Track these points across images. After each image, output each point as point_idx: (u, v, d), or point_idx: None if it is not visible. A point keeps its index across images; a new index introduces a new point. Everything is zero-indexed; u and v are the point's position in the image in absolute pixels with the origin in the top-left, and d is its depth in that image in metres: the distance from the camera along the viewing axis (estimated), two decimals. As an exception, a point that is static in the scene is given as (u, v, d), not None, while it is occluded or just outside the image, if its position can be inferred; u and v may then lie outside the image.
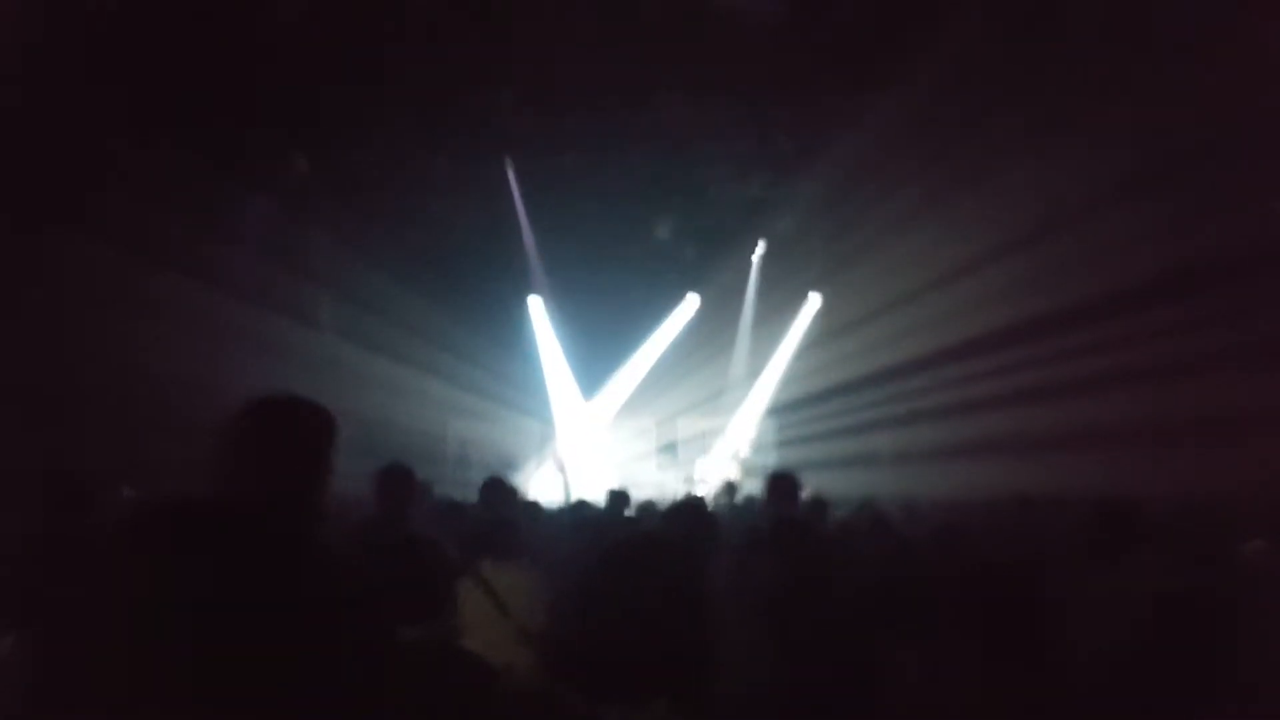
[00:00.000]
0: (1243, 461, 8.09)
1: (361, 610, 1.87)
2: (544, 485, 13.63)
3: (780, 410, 15.87)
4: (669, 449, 16.18)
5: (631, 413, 16.19)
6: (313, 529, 2.02)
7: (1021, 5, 8.73)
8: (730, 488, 10.98)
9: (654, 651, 1.51)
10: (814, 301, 15.67)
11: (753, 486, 13.69)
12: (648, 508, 7.60)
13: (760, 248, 15.35)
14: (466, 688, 2.30)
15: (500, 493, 5.79)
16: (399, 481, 4.53)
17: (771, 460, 15.91)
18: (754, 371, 16.06)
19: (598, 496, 8.68)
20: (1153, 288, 9.69)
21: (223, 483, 1.94)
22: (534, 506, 7.32)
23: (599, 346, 15.61)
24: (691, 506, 5.03)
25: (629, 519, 7.16)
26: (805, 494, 8.19)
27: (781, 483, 5.46)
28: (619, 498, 7.86)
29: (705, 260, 15.16)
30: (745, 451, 15.21)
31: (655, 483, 14.58)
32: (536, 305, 15.70)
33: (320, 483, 2.03)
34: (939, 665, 2.60)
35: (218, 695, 1.60)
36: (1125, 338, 10.03)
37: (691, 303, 15.94)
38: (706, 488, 13.31)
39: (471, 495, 6.46)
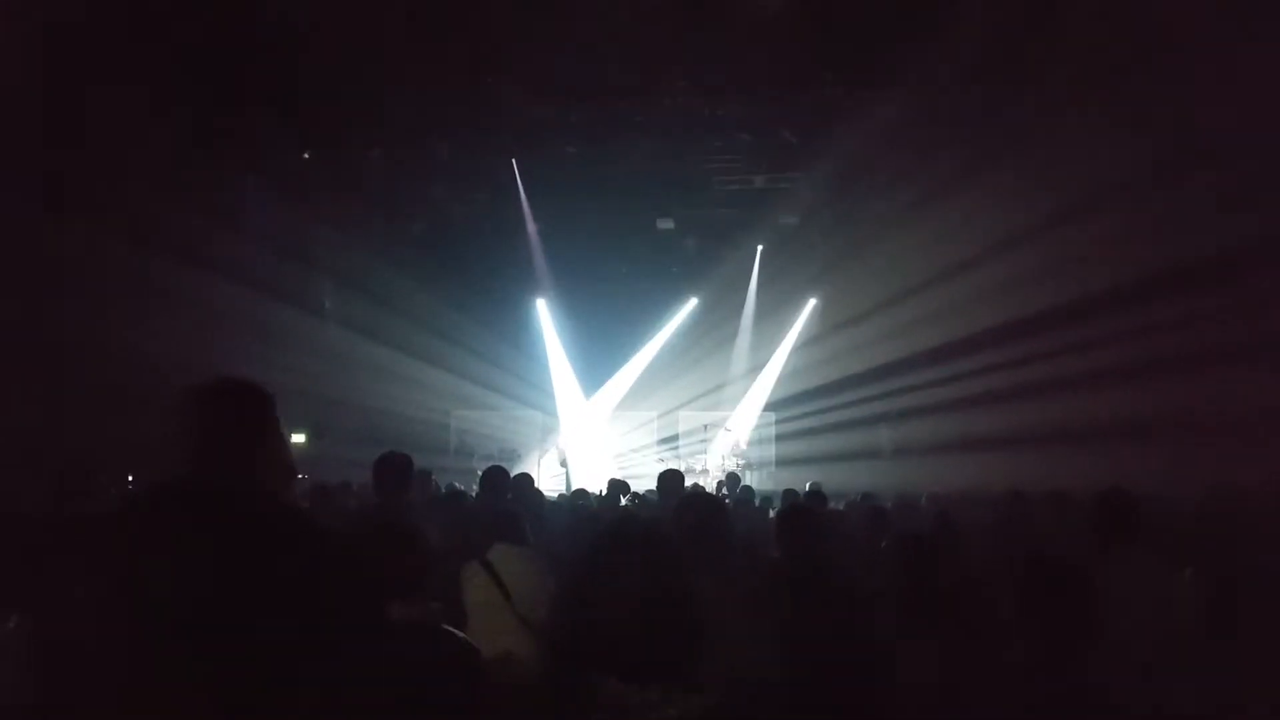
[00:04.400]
0: (1238, 458, 8.10)
1: (336, 584, 1.92)
2: (547, 476, 13.68)
3: (779, 404, 15.94)
4: (670, 441, 16.23)
5: (633, 406, 16.26)
6: (280, 501, 2.06)
7: (1022, 4, 8.70)
8: (733, 478, 11.14)
9: (638, 637, 1.55)
10: (814, 300, 15.74)
11: (751, 479, 13.81)
12: (646, 498, 7.67)
13: (762, 244, 15.37)
14: (446, 666, 2.35)
15: (501, 481, 5.84)
16: (398, 469, 4.57)
17: (770, 453, 16.00)
18: (754, 366, 16.13)
19: (599, 487, 8.75)
20: (1149, 285, 9.70)
21: (182, 466, 1.98)
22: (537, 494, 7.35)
23: (602, 340, 15.69)
24: (701, 496, 5.06)
25: (624, 507, 7.23)
26: (807, 486, 8.30)
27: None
28: (618, 486, 7.94)
29: (707, 256, 15.19)
30: (744, 445, 15.26)
31: (656, 474, 14.61)
32: (540, 300, 15.79)
33: (270, 455, 2.07)
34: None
35: (202, 672, 1.66)
36: (1121, 334, 10.04)
37: (693, 298, 16.00)
38: (707, 479, 13.38)
39: (472, 484, 6.52)
